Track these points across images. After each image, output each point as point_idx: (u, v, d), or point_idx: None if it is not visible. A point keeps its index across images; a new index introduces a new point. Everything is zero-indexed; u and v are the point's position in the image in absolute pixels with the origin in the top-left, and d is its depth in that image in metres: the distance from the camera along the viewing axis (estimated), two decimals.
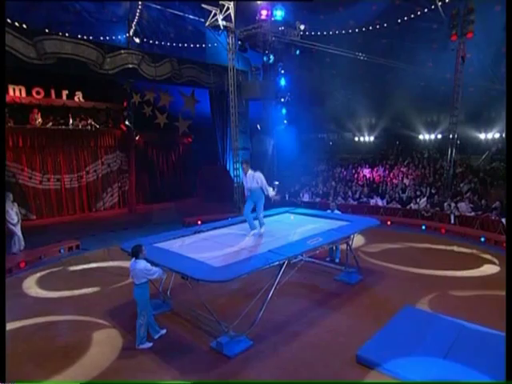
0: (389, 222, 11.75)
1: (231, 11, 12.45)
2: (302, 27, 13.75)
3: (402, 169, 15.82)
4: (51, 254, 8.91)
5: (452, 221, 10.92)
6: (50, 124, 14.55)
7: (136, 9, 15.03)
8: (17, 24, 12.05)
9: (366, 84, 18.84)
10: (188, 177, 18.63)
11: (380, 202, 12.86)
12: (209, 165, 18.22)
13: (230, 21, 12.63)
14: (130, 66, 14.31)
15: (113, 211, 15.84)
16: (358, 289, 7.17)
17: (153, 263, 5.22)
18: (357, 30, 15.70)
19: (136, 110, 15.92)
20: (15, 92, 13.87)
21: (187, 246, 6.21)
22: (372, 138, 21.13)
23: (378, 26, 15.55)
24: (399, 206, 12.35)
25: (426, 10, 13.95)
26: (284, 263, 5.41)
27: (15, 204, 8.91)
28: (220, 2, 12.29)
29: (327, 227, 7.17)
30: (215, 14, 12.44)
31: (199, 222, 12.28)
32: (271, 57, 13.36)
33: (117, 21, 16.11)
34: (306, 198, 14.16)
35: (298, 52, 13.84)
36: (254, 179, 6.78)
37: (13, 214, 8.67)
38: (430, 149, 17.78)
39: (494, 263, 8.39)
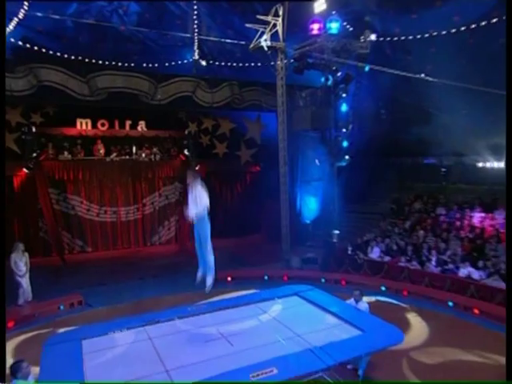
0: (476, 311, 8.74)
1: (279, 28, 11.36)
2: (373, 37, 11.72)
3: None
4: (49, 310, 9.22)
5: None
6: (114, 155, 15.73)
7: (194, 31, 15.17)
8: (73, 58, 13.41)
9: (488, 95, 15.28)
10: (254, 210, 17.92)
11: (476, 275, 9.76)
12: (276, 197, 17.23)
13: (278, 40, 11.55)
14: (184, 94, 14.53)
15: (167, 247, 16.20)
16: None
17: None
18: (462, 29, 12.74)
19: (194, 139, 16.12)
20: (82, 125, 15.39)
21: (109, 353, 5.41)
22: (502, 164, 17.02)
23: (495, 20, 12.33)
24: (502, 286, 9.12)
25: None
26: None
27: (26, 254, 9.54)
28: (267, 19, 11.35)
29: (317, 340, 5.44)
30: (262, 33, 11.54)
31: (229, 279, 11.46)
32: (330, 77, 11.71)
33: (182, 45, 16.65)
34: (375, 253, 11.85)
35: (367, 68, 11.82)
36: (199, 198, 5.50)
37: (21, 265, 9.30)
38: None
39: None
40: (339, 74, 12.12)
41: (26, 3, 12.40)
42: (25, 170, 13.68)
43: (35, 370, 6.75)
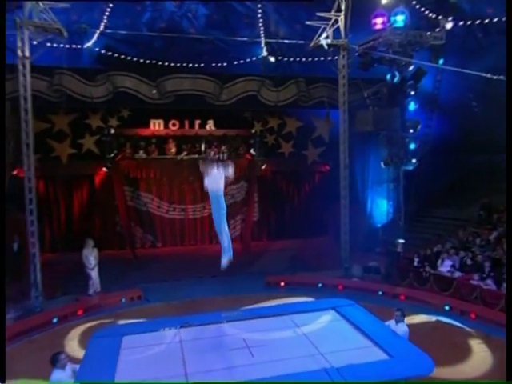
0: None
1: (341, 24, 11.25)
2: (449, 25, 10.97)
3: None
4: (113, 302, 10.60)
5: None
6: (184, 153, 17.06)
7: (260, 28, 15.60)
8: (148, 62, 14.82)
9: None
10: (322, 212, 17.96)
11: None
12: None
13: (340, 36, 11.44)
14: (249, 93, 15.14)
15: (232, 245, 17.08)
16: None
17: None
18: None
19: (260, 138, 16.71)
20: (155, 126, 16.93)
21: (142, 352, 6.22)
22: None
23: None
24: None
25: None
26: None
27: (95, 250, 11.07)
28: (329, 15, 11.33)
29: (337, 360, 5.60)
30: (324, 30, 11.56)
31: (282, 284, 11.85)
32: (396, 74, 11.22)
33: (251, 42, 17.26)
34: (445, 266, 11.20)
35: (441, 62, 11.12)
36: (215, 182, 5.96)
37: (91, 259, 10.84)
38: None
39: None
40: (410, 68, 11.60)
41: (105, 15, 14.09)
42: (104, 169, 15.59)
43: None
